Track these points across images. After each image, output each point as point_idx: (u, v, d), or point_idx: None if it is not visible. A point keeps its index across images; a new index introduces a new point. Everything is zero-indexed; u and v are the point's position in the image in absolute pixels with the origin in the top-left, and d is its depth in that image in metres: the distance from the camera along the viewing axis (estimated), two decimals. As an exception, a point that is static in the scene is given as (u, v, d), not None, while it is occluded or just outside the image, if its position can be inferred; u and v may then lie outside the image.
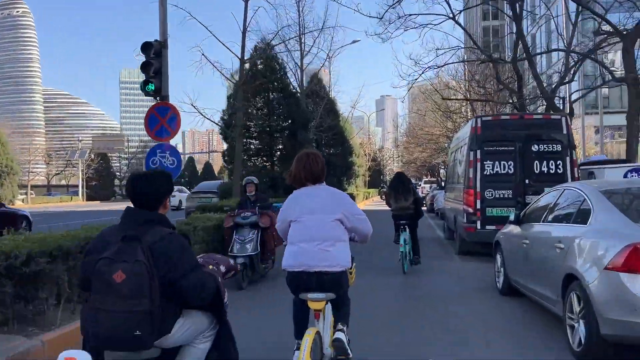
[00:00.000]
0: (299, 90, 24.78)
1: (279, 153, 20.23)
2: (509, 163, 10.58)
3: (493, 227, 9.79)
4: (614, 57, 28.05)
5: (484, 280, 8.36)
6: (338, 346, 3.53)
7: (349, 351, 3.58)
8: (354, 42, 47.05)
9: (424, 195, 42.17)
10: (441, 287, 8.06)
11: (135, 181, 2.80)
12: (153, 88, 8.68)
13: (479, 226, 10.51)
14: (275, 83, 19.32)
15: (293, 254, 3.54)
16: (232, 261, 3.32)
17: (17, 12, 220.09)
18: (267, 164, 19.98)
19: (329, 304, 3.69)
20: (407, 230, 9.28)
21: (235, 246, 7.57)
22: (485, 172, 10.61)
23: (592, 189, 5.30)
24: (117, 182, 76.75)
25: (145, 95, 8.95)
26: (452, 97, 26.88)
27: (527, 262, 6.09)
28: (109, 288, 2.43)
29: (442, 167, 62.95)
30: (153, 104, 8.92)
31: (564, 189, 6.04)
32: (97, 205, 47.29)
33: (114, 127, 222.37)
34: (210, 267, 2.95)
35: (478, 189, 10.56)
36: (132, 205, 2.78)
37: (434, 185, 33.73)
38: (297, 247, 3.53)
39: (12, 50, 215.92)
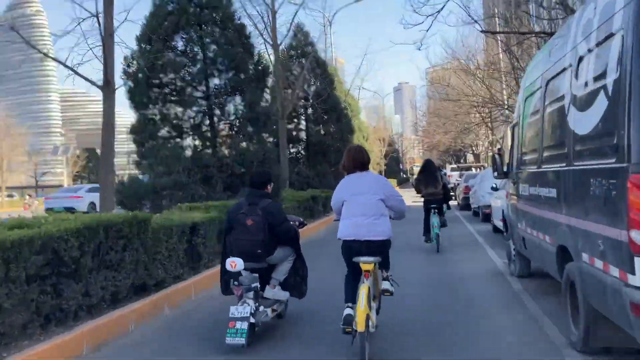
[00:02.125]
0: (268, 41, 17.08)
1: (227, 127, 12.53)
2: None
3: None
4: None
5: None
6: (386, 292, 5.01)
7: (392, 289, 5.03)
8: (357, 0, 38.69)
9: (452, 185, 34.33)
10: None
11: (253, 176, 5.46)
12: None
13: None
14: (211, 12, 11.61)
15: (346, 226, 4.58)
16: (301, 219, 5.79)
17: (31, 10, 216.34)
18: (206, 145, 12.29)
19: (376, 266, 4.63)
20: (437, 213, 10.35)
21: None
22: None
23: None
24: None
25: None
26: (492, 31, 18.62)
27: None
28: (244, 228, 4.98)
29: (471, 151, 55.72)
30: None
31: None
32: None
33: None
34: (292, 222, 5.46)
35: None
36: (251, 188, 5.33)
37: (468, 173, 25.71)
38: (350, 221, 4.56)
39: (29, 50, 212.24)
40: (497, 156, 7.67)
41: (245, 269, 4.85)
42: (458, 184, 25.60)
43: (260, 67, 12.32)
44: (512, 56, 19.44)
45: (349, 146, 5.20)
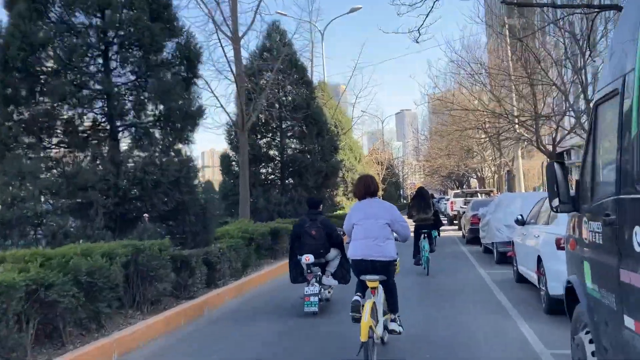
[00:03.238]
0: (227, 33, 13.49)
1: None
2: None
3: None
4: None
5: None
6: (391, 331, 5.34)
7: (400, 330, 5.35)
8: (352, 10, 36.13)
9: (453, 213, 30.31)
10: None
11: (310, 200, 8.04)
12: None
13: None
14: None
15: (355, 247, 5.16)
16: (341, 230, 6.77)
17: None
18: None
19: (381, 285, 5.10)
20: (427, 238, 10.83)
21: None
22: None
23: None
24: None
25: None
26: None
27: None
28: (311, 236, 7.32)
29: (475, 175, 51.91)
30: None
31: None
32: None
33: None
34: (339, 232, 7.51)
35: None
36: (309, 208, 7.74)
37: (475, 200, 21.88)
38: (359, 242, 5.13)
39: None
40: (557, 169, 3.78)
41: (313, 263, 7.29)
42: (464, 213, 21.65)
43: (186, 50, 8.58)
44: (525, 49, 15.78)
45: (361, 175, 6.35)
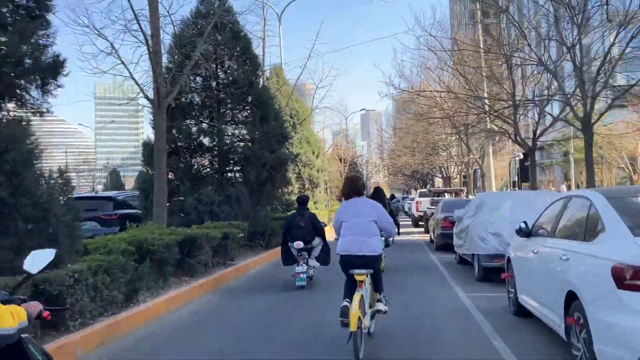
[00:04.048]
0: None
1: None
2: None
3: None
4: None
5: None
6: (377, 311, 5.58)
7: (385, 308, 5.60)
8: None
9: (419, 214, 27.74)
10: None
11: (299, 200, 9.97)
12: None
13: None
14: None
15: (343, 243, 5.41)
16: (324, 223, 11.09)
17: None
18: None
19: (369, 278, 5.44)
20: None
21: None
22: None
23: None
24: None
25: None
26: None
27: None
28: (300, 227, 9.30)
29: (440, 174, 49.77)
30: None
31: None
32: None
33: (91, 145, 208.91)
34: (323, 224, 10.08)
35: None
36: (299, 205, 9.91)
37: (446, 200, 19.37)
38: (347, 239, 5.39)
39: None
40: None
41: (302, 248, 9.21)
42: (432, 214, 19.07)
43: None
44: (507, 22, 13.24)
45: (348, 175, 6.48)
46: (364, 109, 67.36)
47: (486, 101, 18.23)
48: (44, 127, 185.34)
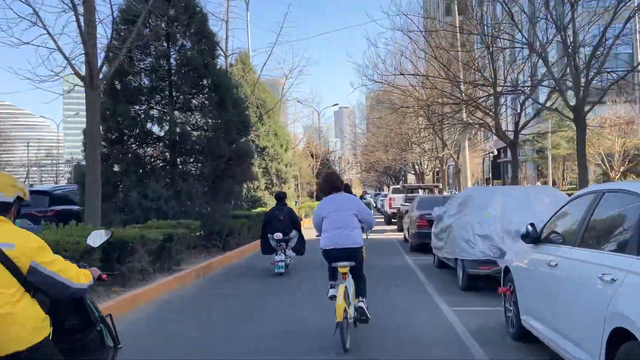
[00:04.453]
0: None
1: None
2: None
3: None
4: None
5: None
6: (360, 312, 5.43)
7: (368, 314, 5.46)
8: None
9: (392, 211, 26.46)
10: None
11: (277, 196, 11.23)
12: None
13: None
14: None
15: (326, 238, 5.61)
16: (300, 218, 11.25)
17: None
18: None
19: (350, 270, 5.60)
20: None
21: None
22: None
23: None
24: None
25: None
26: None
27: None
28: (279, 221, 10.47)
29: (413, 170, 48.76)
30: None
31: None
32: None
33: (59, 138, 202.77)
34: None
35: None
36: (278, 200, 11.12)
37: (422, 196, 18.16)
38: (330, 233, 5.57)
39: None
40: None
41: (281, 239, 10.14)
42: (406, 212, 17.76)
43: None
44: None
45: (325, 172, 7.43)
46: (337, 104, 66.08)
47: (463, 88, 17.01)
48: (10, 121, 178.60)
